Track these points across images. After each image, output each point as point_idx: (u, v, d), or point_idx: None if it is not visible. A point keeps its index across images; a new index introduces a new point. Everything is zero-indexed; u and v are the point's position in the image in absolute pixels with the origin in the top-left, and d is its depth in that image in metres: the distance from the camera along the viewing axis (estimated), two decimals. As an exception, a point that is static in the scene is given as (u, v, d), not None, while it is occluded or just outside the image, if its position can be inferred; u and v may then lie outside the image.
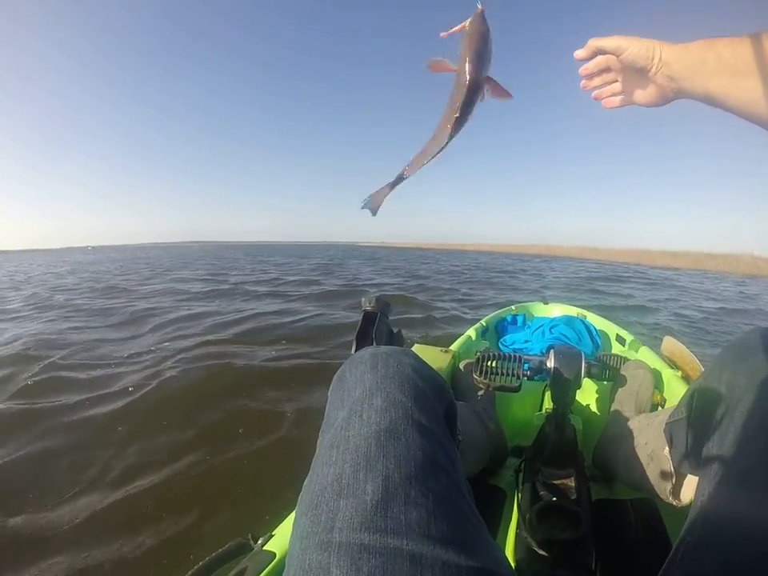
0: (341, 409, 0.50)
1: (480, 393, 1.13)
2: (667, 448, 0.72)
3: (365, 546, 0.35)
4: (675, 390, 1.15)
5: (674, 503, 0.74)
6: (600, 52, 0.51)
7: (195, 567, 0.58)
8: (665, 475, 0.73)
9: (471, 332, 1.73)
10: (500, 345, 1.78)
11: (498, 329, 1.95)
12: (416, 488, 0.40)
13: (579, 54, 0.52)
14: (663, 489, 0.74)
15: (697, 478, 0.60)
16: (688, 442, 0.64)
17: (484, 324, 1.87)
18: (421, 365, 0.58)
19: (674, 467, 0.71)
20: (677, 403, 0.71)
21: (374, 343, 0.94)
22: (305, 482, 0.46)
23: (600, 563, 0.76)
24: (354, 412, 0.48)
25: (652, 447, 0.79)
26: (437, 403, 0.54)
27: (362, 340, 0.97)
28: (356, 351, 0.96)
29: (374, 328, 0.95)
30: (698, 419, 0.60)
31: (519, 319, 1.98)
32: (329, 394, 0.57)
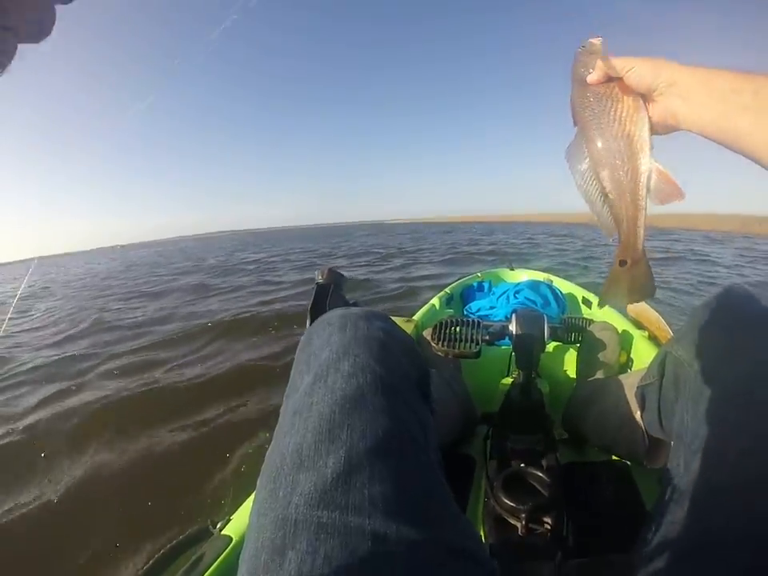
0: (306, 373, 0.47)
1: (445, 361, 1.12)
2: (639, 412, 0.70)
3: (323, 525, 0.32)
4: (642, 351, 1.16)
5: (648, 466, 0.73)
6: (611, 73, 0.46)
7: (156, 556, 0.57)
8: (637, 439, 0.71)
9: (435, 301, 1.71)
10: (465, 312, 1.76)
11: (464, 296, 1.93)
12: (382, 461, 0.37)
13: (592, 77, 0.47)
14: (636, 452, 0.73)
15: (671, 442, 0.58)
16: (660, 406, 0.62)
17: (448, 292, 1.85)
18: (393, 328, 0.55)
19: (646, 431, 0.69)
20: (648, 365, 0.69)
21: None
22: (267, 453, 0.43)
23: (572, 527, 0.76)
24: (319, 377, 0.44)
25: (623, 410, 0.77)
26: (410, 368, 0.51)
27: (317, 314, 0.94)
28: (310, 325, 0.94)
29: (327, 300, 0.92)
30: (670, 383, 0.58)
31: (485, 286, 1.96)
32: (295, 355, 0.54)
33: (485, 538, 0.73)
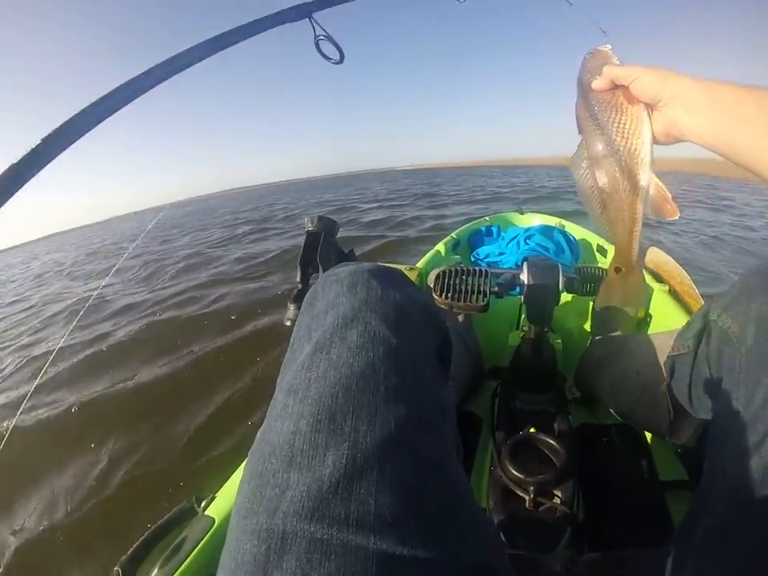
0: (306, 340, 0.40)
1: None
2: (665, 382, 0.63)
3: (317, 542, 0.26)
4: (661, 306, 1.07)
5: (671, 441, 0.67)
6: (616, 81, 0.46)
7: (141, 538, 0.53)
8: (661, 411, 0.65)
9: (440, 246, 1.60)
10: (472, 258, 1.66)
11: (471, 242, 1.81)
12: (393, 460, 0.31)
13: (597, 84, 0.47)
14: (658, 424, 0.68)
15: (700, 418, 0.55)
16: (692, 379, 0.56)
17: (455, 237, 1.73)
18: (412, 288, 0.48)
19: (671, 404, 0.62)
20: (680, 330, 0.61)
21: (320, 268, 0.82)
22: (258, 433, 0.36)
23: (582, 496, 0.71)
24: (321, 347, 0.37)
25: (646, 377, 0.70)
26: (429, 337, 0.44)
27: (307, 264, 0.85)
28: (301, 278, 0.86)
29: (318, 250, 0.83)
30: (710, 357, 0.51)
31: (494, 230, 1.84)
32: (298, 317, 0.46)
33: (489, 510, 0.68)
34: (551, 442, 0.72)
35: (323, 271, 0.80)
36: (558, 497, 0.67)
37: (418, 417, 0.35)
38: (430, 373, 0.40)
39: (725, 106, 0.39)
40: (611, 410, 0.87)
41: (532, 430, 0.78)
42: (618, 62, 0.48)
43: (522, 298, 0.85)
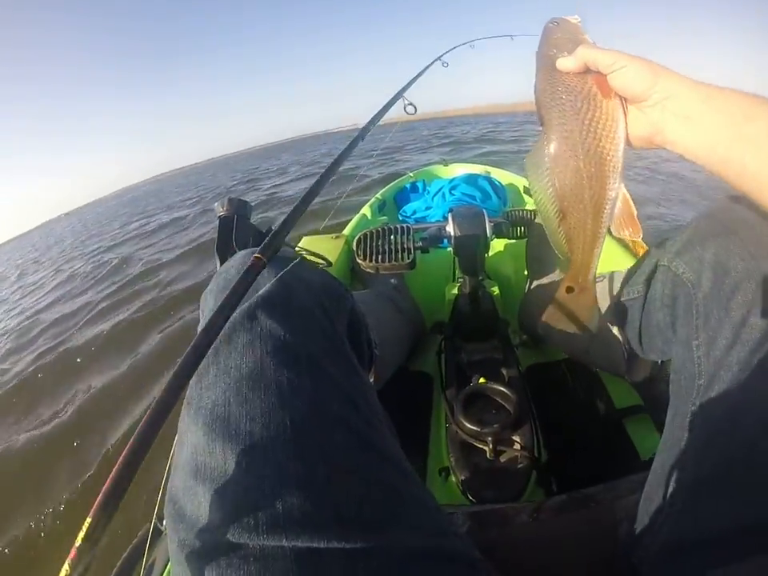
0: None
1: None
2: (616, 326, 0.63)
3: (234, 551, 0.26)
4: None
5: (629, 379, 0.68)
6: (592, 66, 0.38)
7: (116, 568, 0.49)
8: (615, 352, 0.64)
9: (366, 210, 1.56)
10: (399, 217, 1.63)
11: (397, 200, 1.78)
12: (296, 457, 0.30)
13: (565, 64, 0.39)
14: (613, 364, 0.67)
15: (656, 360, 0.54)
16: (642, 323, 0.54)
17: (380, 198, 1.69)
18: (305, 272, 0.44)
19: (625, 346, 0.62)
20: (627, 274, 0.59)
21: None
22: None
23: (543, 437, 0.71)
24: (210, 354, 0.34)
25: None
26: (333, 318, 0.42)
27: (224, 252, 0.81)
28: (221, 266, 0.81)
29: (232, 234, 0.79)
30: (663, 302, 0.48)
31: (419, 186, 1.82)
32: None
33: (452, 468, 0.68)
34: (501, 389, 0.73)
35: None
36: (517, 443, 0.67)
37: (320, 410, 0.33)
38: (335, 360, 0.38)
39: (729, 118, 0.33)
40: (562, 351, 0.88)
41: (482, 380, 0.78)
42: (589, 40, 0.40)
43: (452, 250, 0.84)
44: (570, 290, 0.47)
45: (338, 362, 0.38)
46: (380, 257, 0.79)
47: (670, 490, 0.38)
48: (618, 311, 0.59)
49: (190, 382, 0.34)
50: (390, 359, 0.74)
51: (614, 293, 0.63)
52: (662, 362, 0.65)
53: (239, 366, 0.33)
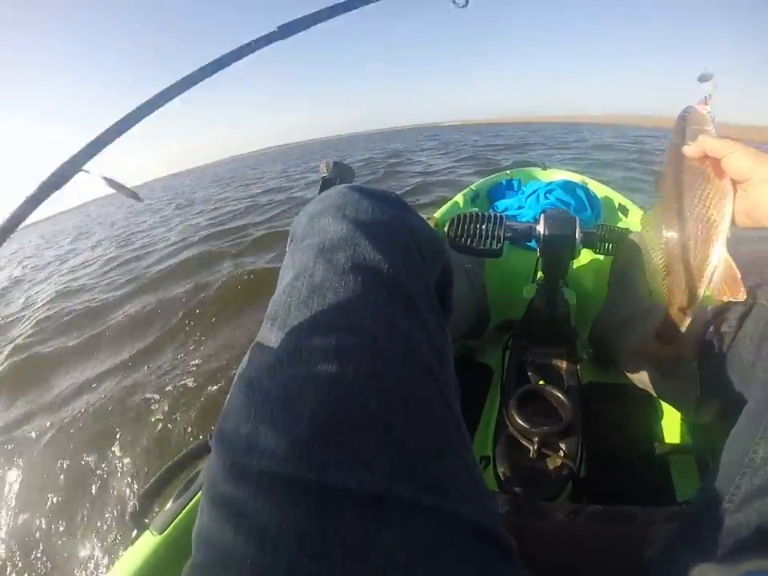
0: (291, 267, 0.37)
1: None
2: (696, 361, 0.59)
3: (293, 483, 0.24)
4: None
5: (695, 418, 0.66)
6: (709, 153, 0.43)
7: (157, 474, 0.54)
8: (687, 387, 0.61)
9: (459, 198, 1.59)
10: (490, 211, 1.64)
11: (491, 194, 1.79)
12: (378, 400, 0.28)
13: (689, 152, 0.45)
14: (683, 400, 0.65)
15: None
16: (727, 361, 0.52)
17: (474, 189, 1.71)
18: (408, 213, 0.44)
19: (699, 382, 0.60)
20: (718, 308, 0.57)
21: None
22: (243, 359, 0.34)
23: (586, 452, 0.71)
24: (303, 271, 0.34)
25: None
26: (428, 266, 0.41)
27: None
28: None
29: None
30: (751, 340, 0.47)
31: (514, 184, 1.81)
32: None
33: (493, 458, 0.70)
34: (558, 395, 0.73)
35: None
36: (562, 450, 0.67)
37: (412, 356, 0.32)
38: (428, 308, 0.37)
39: None
40: (627, 375, 0.85)
41: (541, 382, 0.79)
42: (713, 129, 0.46)
43: (538, 250, 0.85)
44: (659, 338, 0.52)
45: (431, 309, 0.38)
46: (470, 239, 0.83)
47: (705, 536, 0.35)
48: (702, 342, 0.57)
49: (275, 297, 0.35)
50: (455, 323, 0.77)
51: (696, 323, 0.61)
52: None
53: (336, 288, 0.32)
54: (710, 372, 0.57)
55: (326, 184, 0.79)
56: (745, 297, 0.41)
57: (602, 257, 1.08)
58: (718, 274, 0.43)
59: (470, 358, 1.00)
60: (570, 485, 0.65)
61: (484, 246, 0.82)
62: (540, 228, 0.82)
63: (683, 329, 0.49)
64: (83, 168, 0.41)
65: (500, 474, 0.67)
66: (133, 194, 0.46)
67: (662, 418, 0.81)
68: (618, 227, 0.99)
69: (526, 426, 0.68)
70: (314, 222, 0.39)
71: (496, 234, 0.83)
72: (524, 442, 0.69)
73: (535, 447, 0.67)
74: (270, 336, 0.32)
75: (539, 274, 1.12)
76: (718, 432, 0.68)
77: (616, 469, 0.72)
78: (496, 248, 0.81)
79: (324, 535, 0.23)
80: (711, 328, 0.57)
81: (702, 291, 0.45)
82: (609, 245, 0.97)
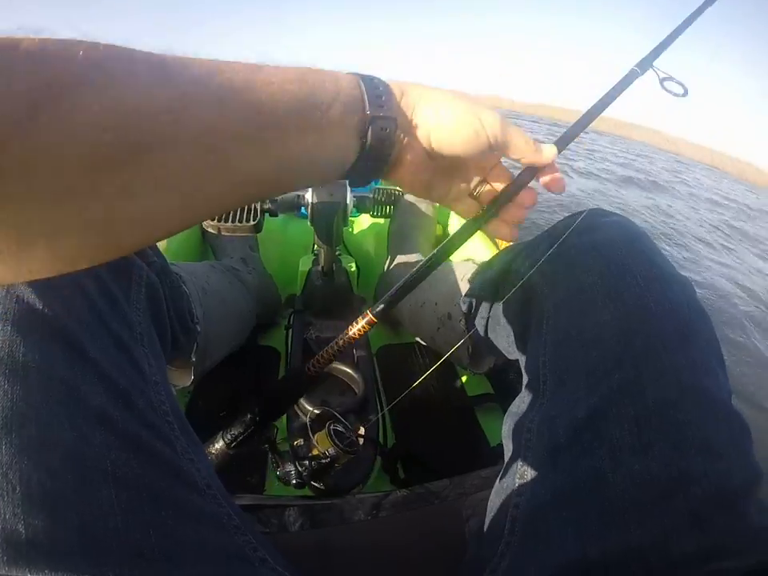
0: None
1: (235, 242, 0.95)
2: (463, 320, 0.61)
3: None
4: (460, 224, 1.10)
5: (470, 371, 0.68)
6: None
7: None
8: (460, 345, 0.62)
9: None
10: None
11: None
12: (40, 464, 0.24)
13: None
14: (458, 356, 0.65)
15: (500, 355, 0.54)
16: (489, 323, 0.54)
17: None
18: None
19: (471, 342, 0.61)
20: (480, 269, 0.60)
21: None
22: None
23: (391, 421, 0.69)
24: None
25: (444, 311, 0.68)
26: (113, 292, 0.34)
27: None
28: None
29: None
30: (515, 306, 0.47)
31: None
32: None
33: (289, 451, 0.61)
34: (347, 370, 0.68)
35: None
36: (362, 427, 0.62)
37: (76, 406, 0.27)
38: (104, 344, 0.31)
39: None
40: (410, 332, 0.87)
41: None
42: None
43: (308, 220, 0.79)
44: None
45: (106, 344, 0.31)
46: (221, 220, 0.73)
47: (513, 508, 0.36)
48: (466, 304, 0.59)
49: None
50: (224, 334, 0.68)
51: (465, 282, 0.63)
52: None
53: None
54: (477, 336, 0.58)
55: None
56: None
57: (382, 220, 1.10)
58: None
59: (253, 341, 0.89)
60: (379, 461, 0.62)
61: (239, 221, 0.73)
62: (308, 196, 0.77)
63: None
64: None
65: (300, 472, 0.59)
66: None
67: (460, 372, 0.83)
68: (395, 189, 1.00)
69: (315, 411, 0.61)
70: None
71: (252, 207, 0.75)
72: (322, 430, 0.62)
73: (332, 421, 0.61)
74: None
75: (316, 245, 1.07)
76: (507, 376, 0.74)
77: (425, 431, 0.71)
78: (253, 222, 0.74)
79: None
80: (471, 290, 0.59)
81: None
82: (386, 207, 0.98)
